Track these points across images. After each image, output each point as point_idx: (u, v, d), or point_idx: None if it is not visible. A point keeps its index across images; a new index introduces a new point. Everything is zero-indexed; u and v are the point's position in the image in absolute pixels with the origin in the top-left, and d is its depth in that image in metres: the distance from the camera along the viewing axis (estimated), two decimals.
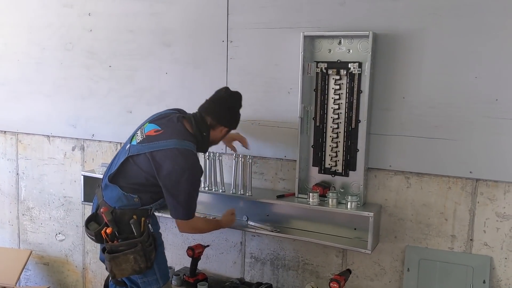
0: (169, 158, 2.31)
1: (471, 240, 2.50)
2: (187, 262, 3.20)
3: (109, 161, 3.39)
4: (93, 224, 2.44)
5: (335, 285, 2.39)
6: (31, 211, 3.80)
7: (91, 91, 3.43)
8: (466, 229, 2.51)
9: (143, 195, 2.41)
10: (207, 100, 2.55)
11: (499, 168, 2.41)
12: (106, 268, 2.45)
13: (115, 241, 2.35)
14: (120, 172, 2.42)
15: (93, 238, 2.42)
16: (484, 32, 2.37)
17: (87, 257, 3.62)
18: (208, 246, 2.97)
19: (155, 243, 2.45)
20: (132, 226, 2.35)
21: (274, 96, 2.87)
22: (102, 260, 2.59)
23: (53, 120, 3.61)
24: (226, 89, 2.56)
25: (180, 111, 2.64)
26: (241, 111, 2.80)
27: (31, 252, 3.64)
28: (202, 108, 2.53)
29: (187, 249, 2.88)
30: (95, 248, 3.57)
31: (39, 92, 3.63)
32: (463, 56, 2.42)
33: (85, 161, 3.54)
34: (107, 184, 2.44)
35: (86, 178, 3.25)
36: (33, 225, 3.80)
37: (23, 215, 3.84)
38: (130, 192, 2.39)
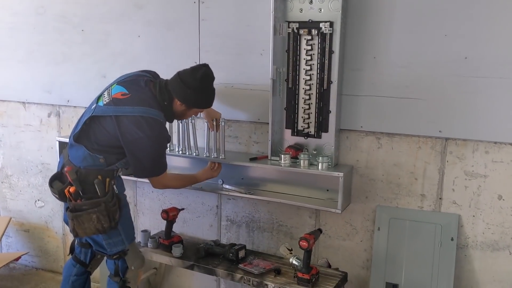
0: (135, 125, 2.31)
1: (440, 199, 2.53)
2: (164, 226, 3.22)
3: None
4: (57, 183, 2.45)
5: (304, 243, 2.41)
6: (9, 179, 3.79)
7: (65, 56, 3.38)
8: (435, 188, 2.53)
9: (108, 156, 2.40)
10: (179, 72, 2.47)
11: (468, 127, 2.41)
12: (69, 227, 2.45)
13: (78, 200, 2.35)
14: (85, 132, 2.40)
15: (57, 196, 2.43)
16: None
17: None
18: (183, 209, 2.99)
19: (120, 204, 2.45)
20: (96, 186, 2.35)
21: (246, 58, 2.83)
22: (66, 221, 2.60)
23: (28, 87, 3.56)
24: (198, 69, 2.44)
25: (151, 74, 2.61)
26: (214, 74, 2.80)
27: (10, 218, 3.65)
28: (171, 79, 2.47)
29: (162, 212, 2.89)
30: None
31: (13, 58, 3.57)
32: (432, 14, 2.39)
33: (61, 127, 3.52)
34: (73, 143, 2.43)
35: (61, 144, 3.24)
36: (13, 193, 3.80)
37: (2, 182, 3.83)
38: (96, 153, 2.38)
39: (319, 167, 2.58)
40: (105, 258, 2.69)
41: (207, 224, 3.15)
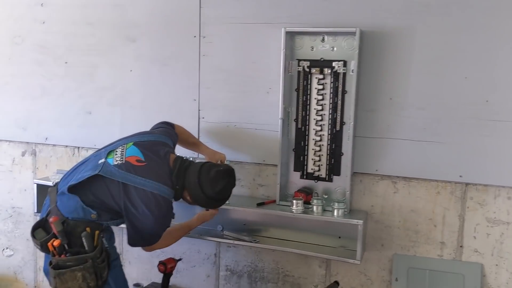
0: (142, 201, 2.09)
1: (461, 247, 2.41)
2: (155, 277, 2.94)
3: (65, 167, 3.08)
4: (40, 232, 2.15)
5: None
6: None
7: (44, 90, 3.09)
8: (455, 235, 2.42)
9: (103, 213, 2.16)
10: (201, 172, 2.19)
11: (489, 172, 2.33)
12: (50, 284, 2.17)
13: (62, 255, 2.07)
14: (84, 185, 2.14)
15: (39, 247, 2.14)
16: (474, 31, 2.28)
17: (40, 274, 3.26)
18: (180, 259, 2.73)
19: (108, 260, 2.19)
20: (84, 240, 2.08)
21: (251, 96, 2.66)
22: (46, 271, 2.30)
23: None
24: (220, 180, 2.18)
25: (167, 131, 2.42)
26: (215, 112, 2.62)
27: None
28: (191, 167, 2.21)
29: (158, 264, 2.62)
30: None
31: None
32: (452, 55, 2.32)
33: (37, 168, 3.19)
34: (65, 192, 2.15)
35: (39, 187, 2.91)
36: None
37: None
38: (90, 207, 2.13)
39: (335, 214, 2.42)
40: None
41: (203, 275, 2.89)
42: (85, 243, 2.05)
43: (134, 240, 2.19)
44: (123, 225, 2.56)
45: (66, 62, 3.01)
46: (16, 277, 3.32)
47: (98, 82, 2.96)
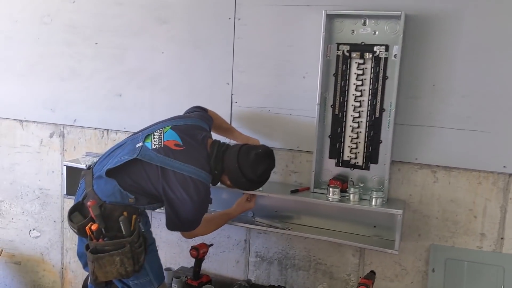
0: (181, 185, 2.07)
1: (501, 238, 2.35)
2: (183, 261, 2.92)
3: (94, 150, 3.07)
4: (77, 215, 2.13)
5: None
6: (0, 205, 3.39)
7: (73, 71, 3.04)
8: (496, 227, 2.35)
9: (140, 198, 2.14)
10: (239, 156, 2.17)
11: None
12: (84, 267, 2.21)
13: (100, 240, 2.05)
14: (123, 169, 2.11)
15: (76, 231, 2.12)
16: None
17: (67, 256, 3.26)
18: (211, 245, 2.70)
19: (145, 244, 2.17)
20: (121, 224, 2.05)
21: (287, 80, 2.60)
22: (80, 254, 2.29)
23: (27, 103, 3.20)
24: (260, 163, 2.17)
25: (203, 115, 2.39)
26: (249, 97, 2.56)
27: (1, 250, 3.25)
28: (229, 151, 2.19)
29: (191, 249, 2.59)
30: (75, 245, 3.20)
31: (10, 70, 3.20)
32: (501, 41, 2.23)
33: (65, 150, 3.16)
34: (101, 176, 2.12)
35: (69, 169, 2.89)
36: (2, 220, 3.39)
37: None
38: (128, 191, 2.10)
39: (373, 203, 2.36)
40: None
41: (233, 260, 2.87)
42: (122, 228, 2.03)
43: (173, 225, 2.16)
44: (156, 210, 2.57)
45: (96, 43, 2.96)
46: (43, 258, 3.32)
47: (128, 64, 2.91)
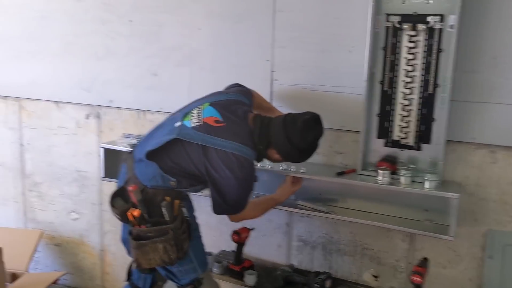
0: (224, 163, 1.96)
1: None
2: (223, 245, 2.85)
3: (131, 131, 3.00)
4: (119, 201, 2.06)
5: (417, 278, 2.05)
6: (39, 187, 3.38)
7: (108, 50, 2.96)
8: None
9: (182, 180, 2.05)
10: (285, 124, 2.06)
11: None
12: (129, 253, 2.17)
13: (143, 226, 1.97)
14: (163, 151, 2.02)
15: (118, 217, 2.05)
16: None
17: (106, 238, 3.24)
18: (253, 229, 2.60)
19: (189, 230, 2.08)
20: (164, 210, 1.98)
21: (331, 55, 2.45)
22: (124, 240, 2.23)
23: (62, 84, 3.15)
24: (310, 129, 2.05)
25: (243, 90, 2.29)
26: (290, 73, 2.42)
27: (42, 233, 3.25)
28: (274, 123, 2.07)
29: (232, 234, 2.51)
30: (114, 228, 3.18)
31: (45, 51, 3.15)
32: None
33: (102, 131, 3.11)
34: (142, 159, 2.04)
35: (106, 151, 2.84)
36: (42, 203, 3.39)
37: (29, 191, 3.42)
38: (169, 174, 2.01)
39: (426, 186, 2.21)
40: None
41: (274, 244, 2.77)
42: (165, 213, 1.95)
43: (219, 208, 2.06)
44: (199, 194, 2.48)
45: (130, 21, 2.86)
46: (83, 240, 3.31)
47: (164, 41, 2.81)
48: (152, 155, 2.01)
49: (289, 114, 2.10)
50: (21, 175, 3.41)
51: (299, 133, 2.01)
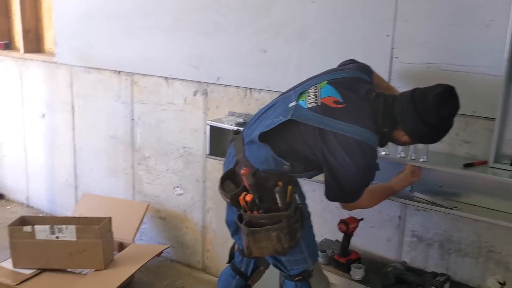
0: (343, 148, 1.78)
1: None
2: (326, 233, 2.69)
3: (236, 109, 2.92)
4: (229, 184, 1.97)
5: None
6: (147, 161, 3.47)
7: (217, 26, 2.90)
8: None
9: (296, 164, 1.90)
10: (414, 99, 1.82)
11: None
12: (233, 236, 2.14)
13: (255, 212, 1.86)
14: (276, 133, 1.89)
15: (228, 201, 1.96)
16: None
17: (208, 215, 3.24)
18: (362, 219, 2.41)
19: (302, 219, 1.94)
20: (277, 195, 1.84)
21: (464, 30, 2.14)
22: (229, 223, 2.15)
23: (172, 60, 3.15)
24: (445, 103, 1.81)
25: (362, 66, 2.08)
26: (413, 50, 2.17)
27: (148, 206, 3.34)
28: (400, 100, 1.86)
29: (339, 223, 2.34)
30: (216, 206, 3.17)
31: (157, 26, 3.17)
32: None
33: (208, 108, 3.08)
34: (253, 141, 1.93)
35: (212, 129, 2.80)
36: (149, 176, 3.48)
37: (138, 164, 3.52)
38: (282, 157, 1.88)
39: None
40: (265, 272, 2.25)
41: (383, 237, 2.56)
42: (278, 199, 1.82)
43: (333, 195, 1.90)
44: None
45: None
46: (186, 215, 3.35)
47: (274, 16, 2.67)
48: (264, 137, 1.90)
49: (416, 89, 1.86)
50: (131, 148, 3.52)
51: (432, 109, 1.78)
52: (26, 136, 4.18)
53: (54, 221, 2.77)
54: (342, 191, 1.86)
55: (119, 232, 3.06)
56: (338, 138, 1.78)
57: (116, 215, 2.92)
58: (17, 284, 2.56)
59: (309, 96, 1.87)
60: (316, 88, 1.88)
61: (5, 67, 4.18)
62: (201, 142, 3.13)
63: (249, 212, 1.85)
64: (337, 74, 1.94)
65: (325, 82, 1.89)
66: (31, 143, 4.16)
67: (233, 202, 1.91)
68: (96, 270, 2.73)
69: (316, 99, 1.84)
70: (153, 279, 3.24)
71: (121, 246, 3.12)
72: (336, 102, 1.82)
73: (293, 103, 1.88)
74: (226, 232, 3.12)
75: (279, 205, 1.83)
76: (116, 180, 3.65)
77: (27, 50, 3.98)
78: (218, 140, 2.91)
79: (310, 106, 1.84)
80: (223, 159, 2.88)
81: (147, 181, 3.49)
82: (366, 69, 2.03)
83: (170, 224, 3.45)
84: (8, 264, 2.74)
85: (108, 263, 2.77)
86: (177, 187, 3.35)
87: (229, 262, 2.30)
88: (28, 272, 2.68)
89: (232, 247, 2.28)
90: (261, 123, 1.94)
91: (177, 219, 3.40)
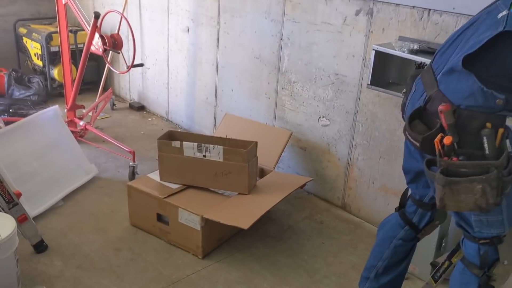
0: None
1: None
2: None
3: (407, 34, 2.52)
4: (418, 124, 1.64)
5: None
6: (292, 86, 3.23)
7: None
8: None
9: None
10: None
11: None
12: (408, 183, 1.83)
13: (454, 158, 1.53)
14: (483, 56, 1.49)
15: (417, 144, 1.64)
16: None
17: (355, 151, 2.96)
18: None
19: None
20: (485, 139, 1.48)
21: None
22: (406, 169, 1.85)
23: None
24: None
25: None
26: None
27: (291, 134, 3.15)
28: None
29: None
30: (366, 142, 2.88)
31: None
32: None
33: (372, 31, 2.70)
34: (454, 69, 1.55)
35: (377, 55, 2.44)
36: (293, 102, 3.25)
37: (282, 88, 3.30)
38: (493, 89, 1.48)
39: None
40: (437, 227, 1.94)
41: None
42: (486, 145, 1.47)
43: None
44: None
45: None
46: (329, 149, 3.11)
47: None
48: (467, 63, 1.51)
49: None
50: (277, 71, 3.29)
51: None
52: (169, 49, 4.16)
53: (201, 139, 2.69)
54: None
55: (261, 158, 2.91)
56: None
57: (258, 140, 2.77)
58: (164, 198, 2.56)
59: None
60: None
61: None
62: (357, 70, 2.80)
63: (445, 158, 1.52)
64: None
65: None
66: (174, 57, 4.13)
67: (424, 145, 1.59)
68: (239, 193, 2.63)
69: None
70: (290, 209, 3.11)
71: (262, 172, 2.99)
72: None
73: (504, 13, 1.44)
74: (375, 172, 2.86)
75: (486, 152, 1.47)
76: (257, 103, 3.49)
77: None
78: (381, 69, 2.57)
79: None
80: (386, 90, 2.58)
81: (290, 108, 3.28)
82: None
83: (310, 155, 3.24)
84: (155, 176, 2.75)
85: (251, 188, 2.66)
86: (323, 117, 3.09)
87: (398, 210, 2.02)
88: (174, 186, 2.66)
89: (404, 194, 1.99)
90: (459, 46, 1.55)
91: (319, 151, 3.18)
